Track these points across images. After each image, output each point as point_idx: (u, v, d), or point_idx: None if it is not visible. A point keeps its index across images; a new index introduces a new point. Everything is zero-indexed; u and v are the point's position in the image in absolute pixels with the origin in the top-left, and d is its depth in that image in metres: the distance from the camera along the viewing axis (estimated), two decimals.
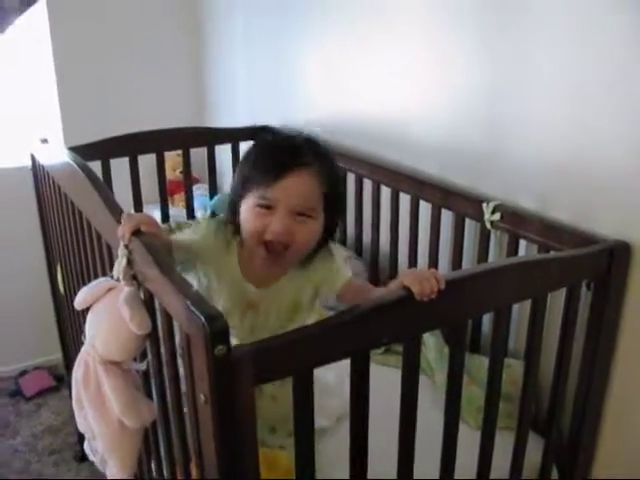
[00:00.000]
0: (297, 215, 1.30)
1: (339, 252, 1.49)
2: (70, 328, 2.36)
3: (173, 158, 3.11)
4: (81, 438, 2.68)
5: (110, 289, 1.35)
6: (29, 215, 2.57)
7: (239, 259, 1.42)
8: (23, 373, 3.30)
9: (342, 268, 1.49)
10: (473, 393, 1.72)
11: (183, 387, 1.28)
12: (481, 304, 1.31)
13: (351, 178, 2.30)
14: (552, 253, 1.55)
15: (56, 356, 3.14)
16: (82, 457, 2.74)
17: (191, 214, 2.84)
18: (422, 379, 1.27)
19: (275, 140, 1.39)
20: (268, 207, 1.30)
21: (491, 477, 1.46)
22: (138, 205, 2.59)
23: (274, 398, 1.49)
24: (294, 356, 1.06)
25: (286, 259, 1.36)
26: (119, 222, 1.33)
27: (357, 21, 2.24)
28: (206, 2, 3.22)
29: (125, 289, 1.29)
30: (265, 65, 2.85)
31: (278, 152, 1.33)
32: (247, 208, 1.34)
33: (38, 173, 2.28)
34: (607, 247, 1.46)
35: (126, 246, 1.29)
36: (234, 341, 1.35)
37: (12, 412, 3.08)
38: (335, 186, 1.35)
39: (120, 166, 2.52)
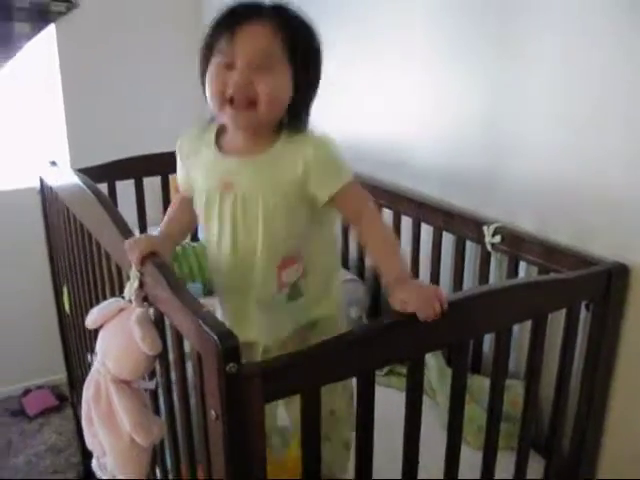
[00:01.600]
0: (258, 68, 1.22)
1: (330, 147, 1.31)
2: (75, 348, 2.38)
3: (176, 180, 3.14)
4: (84, 458, 2.71)
5: (121, 310, 1.38)
6: (35, 236, 2.60)
7: (216, 141, 1.36)
8: (26, 392, 3.30)
9: (341, 162, 1.32)
10: (474, 413, 1.74)
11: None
12: (482, 325, 1.34)
13: None
14: (551, 275, 1.58)
15: (59, 376, 3.16)
16: (85, 477, 2.75)
17: (194, 236, 2.87)
18: (424, 400, 1.29)
19: (236, 5, 1.28)
20: (228, 65, 1.24)
21: None
22: (143, 226, 2.62)
23: None
24: (302, 374, 1.09)
25: (258, 116, 1.25)
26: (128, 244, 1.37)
27: (356, 46, 2.29)
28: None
29: (136, 310, 1.32)
30: None
31: (234, 10, 1.25)
32: (209, 72, 1.27)
33: (46, 195, 2.32)
34: (605, 269, 1.49)
35: (137, 268, 1.33)
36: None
37: (15, 431, 3.08)
38: (299, 38, 1.26)
39: (125, 188, 2.56)
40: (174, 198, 1.57)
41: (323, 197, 1.29)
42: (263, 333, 1.41)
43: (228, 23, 1.24)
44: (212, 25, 1.28)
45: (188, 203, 1.47)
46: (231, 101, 1.24)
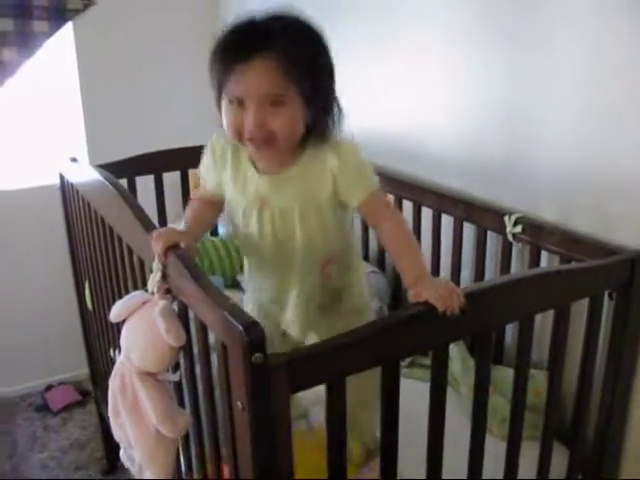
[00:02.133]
0: (269, 105, 1.23)
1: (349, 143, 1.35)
2: (98, 344, 2.40)
3: (195, 176, 3.15)
4: (107, 453, 2.73)
5: (145, 302, 1.39)
6: (56, 233, 2.62)
7: (249, 158, 1.39)
8: (49, 388, 3.34)
9: (366, 169, 1.37)
10: (497, 403, 1.74)
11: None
12: (505, 314, 1.34)
13: None
14: (573, 264, 1.57)
15: (81, 371, 3.18)
16: (108, 470, 2.78)
17: (214, 231, 2.89)
18: (447, 390, 1.29)
19: (236, 30, 1.27)
20: (239, 103, 1.25)
21: None
22: (163, 222, 2.64)
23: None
24: (327, 364, 1.09)
25: (278, 148, 1.29)
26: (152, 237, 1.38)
27: (375, 39, 2.28)
28: (226, 22, 3.27)
29: (160, 302, 1.33)
30: None
31: (236, 44, 1.24)
32: (223, 109, 1.30)
33: (67, 191, 2.34)
34: (629, 257, 1.48)
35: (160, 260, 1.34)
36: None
37: (39, 426, 3.11)
38: (305, 62, 1.24)
39: (144, 184, 2.57)
40: (194, 195, 1.58)
41: (354, 204, 1.36)
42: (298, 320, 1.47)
43: (231, 60, 1.23)
44: (215, 56, 1.29)
45: (209, 202, 1.51)
46: (249, 140, 1.28)
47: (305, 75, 1.24)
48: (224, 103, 1.29)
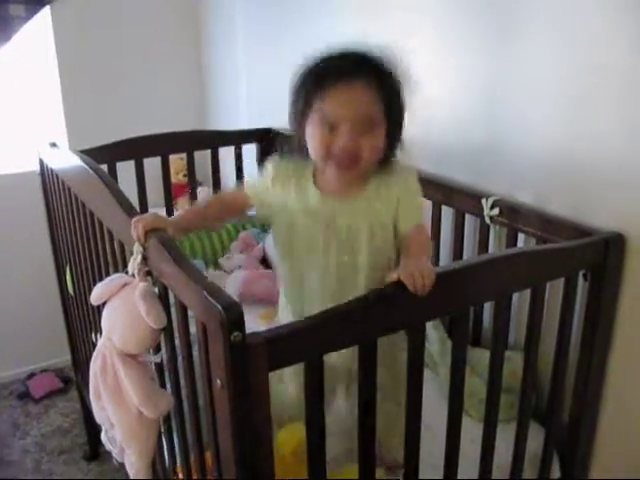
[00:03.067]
0: (360, 127, 1.28)
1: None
2: (79, 329, 2.40)
3: (176, 161, 3.16)
4: (90, 438, 2.74)
5: (125, 285, 1.39)
6: (36, 219, 2.62)
7: (314, 178, 1.43)
8: (31, 376, 3.34)
9: (421, 199, 1.46)
10: (475, 385, 1.77)
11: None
12: (481, 293, 1.36)
13: None
14: (549, 244, 1.60)
15: (62, 359, 3.20)
16: (91, 456, 2.79)
17: None
18: (426, 372, 1.31)
19: (331, 59, 1.33)
20: (330, 126, 1.30)
21: (494, 465, 1.50)
22: (144, 207, 2.64)
23: None
24: (305, 343, 1.11)
25: (359, 169, 1.35)
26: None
27: (358, 23, 2.29)
28: (207, 6, 3.27)
29: (140, 284, 1.34)
30: (268, 68, 2.89)
31: (334, 68, 1.30)
32: (311, 128, 1.33)
33: (47, 176, 2.33)
34: (602, 238, 1.51)
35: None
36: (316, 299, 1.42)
37: (21, 413, 3.12)
38: (395, 93, 1.33)
39: (124, 170, 2.57)
40: (214, 195, 1.58)
41: (404, 228, 1.40)
42: None
43: (330, 83, 1.28)
44: (309, 79, 1.34)
45: (228, 207, 1.56)
46: (335, 159, 1.32)
47: (394, 104, 1.32)
48: (313, 123, 1.33)
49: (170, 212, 2.78)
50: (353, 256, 1.40)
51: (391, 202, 1.38)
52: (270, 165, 1.48)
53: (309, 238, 1.42)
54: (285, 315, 1.53)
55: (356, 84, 1.27)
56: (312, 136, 1.34)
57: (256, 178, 1.52)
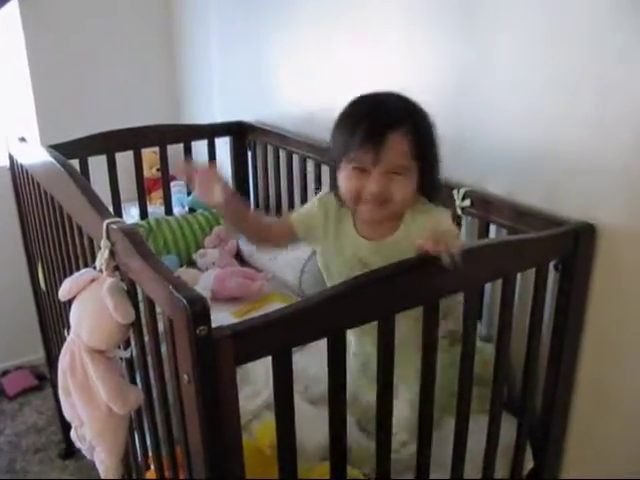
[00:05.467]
0: (392, 173, 1.34)
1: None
2: (52, 325, 2.38)
3: (149, 156, 3.14)
4: (66, 436, 2.71)
5: (93, 280, 1.38)
6: (6, 214, 2.59)
7: (354, 220, 1.47)
8: (5, 373, 3.31)
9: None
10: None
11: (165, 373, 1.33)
12: (453, 283, 1.36)
13: (326, 170, 2.34)
14: (519, 235, 1.60)
15: (37, 356, 3.17)
16: (66, 454, 2.76)
17: (169, 211, 2.87)
18: None
19: (365, 105, 1.40)
20: (362, 169, 1.35)
21: (467, 457, 1.50)
22: (116, 203, 2.61)
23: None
24: (273, 336, 1.10)
25: (391, 210, 1.39)
26: (100, 216, 1.38)
27: (331, 20, 2.28)
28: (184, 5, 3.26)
29: (108, 280, 1.33)
30: (240, 62, 2.88)
31: (369, 118, 1.34)
32: (343, 173, 1.39)
33: (16, 172, 2.30)
34: (572, 229, 1.52)
35: (108, 238, 1.33)
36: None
37: None
38: (426, 141, 1.38)
39: (97, 164, 2.55)
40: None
41: None
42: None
43: (364, 135, 1.32)
44: (345, 129, 1.38)
45: (274, 227, 1.59)
46: (369, 199, 1.36)
47: (425, 152, 1.37)
48: (346, 168, 1.38)
49: (143, 206, 2.77)
50: None
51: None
52: (321, 199, 1.53)
53: (339, 275, 1.45)
54: None
55: (388, 138, 1.31)
56: (344, 179, 1.39)
57: (302, 208, 1.57)
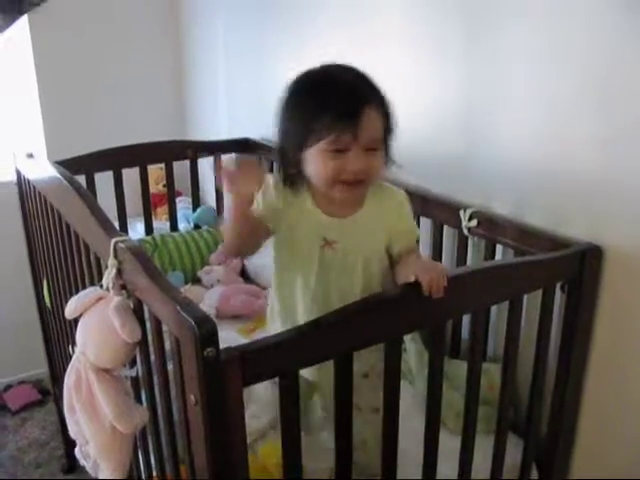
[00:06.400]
0: (368, 150, 1.30)
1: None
2: (57, 341, 2.38)
3: (155, 172, 3.15)
4: (68, 451, 2.71)
5: (100, 298, 1.38)
6: (13, 230, 2.59)
7: (313, 199, 1.40)
8: (7, 388, 3.30)
9: (412, 221, 1.48)
10: (452, 398, 1.75)
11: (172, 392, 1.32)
12: (459, 306, 1.36)
13: None
14: (526, 257, 1.60)
15: (40, 371, 3.16)
16: (68, 469, 2.76)
17: (174, 227, 2.88)
18: (404, 385, 1.31)
19: (327, 84, 1.33)
20: (339, 150, 1.29)
21: (472, 478, 1.50)
22: (122, 218, 2.62)
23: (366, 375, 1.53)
24: (279, 358, 1.10)
25: (363, 189, 1.38)
26: (107, 234, 1.38)
27: (338, 36, 2.29)
28: (187, 16, 3.26)
29: (115, 298, 1.33)
30: (246, 78, 2.89)
31: (339, 96, 1.29)
32: (316, 156, 1.31)
33: (24, 187, 2.31)
34: (579, 250, 1.51)
35: (115, 256, 1.33)
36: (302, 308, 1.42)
37: None
38: (390, 115, 1.35)
39: (103, 180, 2.56)
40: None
41: (398, 250, 1.44)
42: None
43: (339, 114, 1.26)
44: (310, 104, 1.31)
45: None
46: (343, 182, 1.32)
47: (392, 127, 1.36)
48: (319, 152, 1.30)
49: (149, 222, 2.77)
50: (349, 284, 1.42)
51: (385, 226, 1.42)
52: (272, 186, 1.43)
53: (306, 257, 1.42)
54: (274, 327, 1.51)
55: (365, 111, 1.27)
56: (318, 164, 1.31)
57: (260, 202, 1.44)
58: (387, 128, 1.34)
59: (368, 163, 1.30)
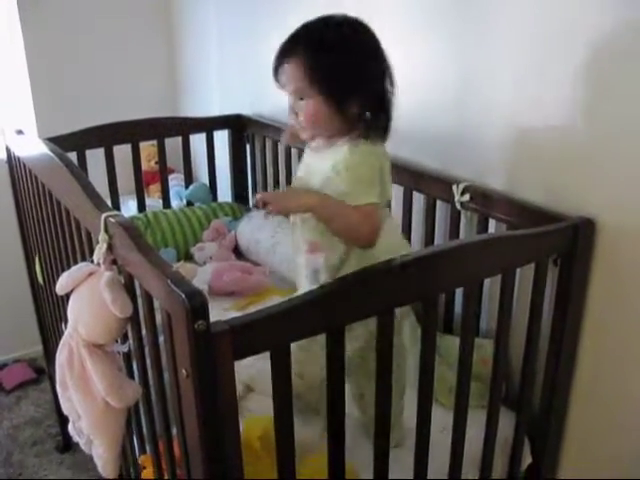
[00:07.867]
0: (299, 99, 1.43)
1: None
2: (50, 318, 2.37)
3: (147, 149, 3.13)
4: (63, 429, 2.71)
5: (91, 274, 1.37)
6: (3, 207, 2.58)
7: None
8: (2, 366, 3.30)
9: (362, 181, 1.43)
10: (444, 374, 1.76)
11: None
12: (451, 279, 1.36)
13: None
14: (519, 230, 1.60)
15: (35, 349, 3.15)
16: (64, 448, 2.76)
17: (167, 204, 2.86)
18: None
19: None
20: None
21: (465, 452, 1.50)
22: (114, 196, 2.61)
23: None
24: (271, 331, 1.10)
25: (308, 134, 1.49)
26: (98, 209, 1.37)
27: (328, 12, 2.27)
28: None
29: (105, 273, 1.32)
30: (238, 55, 2.87)
31: (280, 47, 1.44)
32: None
33: (14, 165, 2.29)
34: (572, 224, 1.51)
35: (106, 231, 1.32)
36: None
37: None
38: (323, 66, 1.40)
39: (95, 157, 2.54)
40: None
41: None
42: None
43: (274, 64, 1.45)
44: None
45: None
46: None
47: (323, 75, 1.39)
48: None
49: (142, 200, 2.76)
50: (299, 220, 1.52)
51: (327, 169, 1.44)
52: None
53: None
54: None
55: (285, 65, 1.42)
56: None
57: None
58: (321, 80, 1.39)
59: (296, 108, 1.45)
